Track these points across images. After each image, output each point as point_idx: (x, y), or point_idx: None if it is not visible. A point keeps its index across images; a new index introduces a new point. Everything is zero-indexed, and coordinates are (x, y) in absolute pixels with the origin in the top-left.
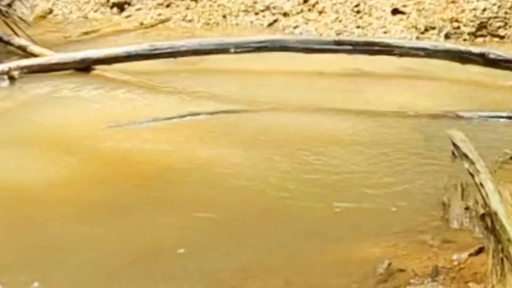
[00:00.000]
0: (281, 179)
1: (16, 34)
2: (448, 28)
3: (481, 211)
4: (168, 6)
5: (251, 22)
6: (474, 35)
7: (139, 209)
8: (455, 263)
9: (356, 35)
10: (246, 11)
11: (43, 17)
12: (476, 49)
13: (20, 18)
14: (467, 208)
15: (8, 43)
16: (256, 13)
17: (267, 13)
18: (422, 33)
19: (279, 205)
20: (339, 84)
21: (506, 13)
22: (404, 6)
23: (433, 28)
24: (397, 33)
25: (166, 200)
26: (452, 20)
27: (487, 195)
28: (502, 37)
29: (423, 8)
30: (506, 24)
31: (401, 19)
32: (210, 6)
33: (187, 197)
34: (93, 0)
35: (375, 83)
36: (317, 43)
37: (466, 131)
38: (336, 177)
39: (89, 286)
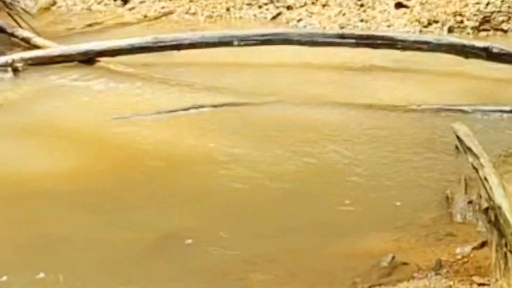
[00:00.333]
0: (285, 171)
1: (19, 26)
2: (451, 22)
3: (485, 205)
4: None
5: (255, 15)
6: (477, 29)
7: (144, 200)
8: (459, 256)
9: (360, 29)
10: (249, 4)
11: (46, 9)
12: (479, 43)
13: (24, 10)
14: (470, 202)
15: (11, 35)
16: (260, 6)
17: (270, 6)
18: (425, 27)
19: (283, 198)
20: (343, 77)
21: (509, 7)
22: (407, 0)
23: (436, 22)
24: (400, 26)
25: (171, 191)
26: (455, 14)
27: (491, 189)
28: (505, 32)
29: (426, 2)
30: (509, 18)
31: (405, 13)
32: None
33: (192, 188)
34: None
35: (378, 77)
36: (320, 36)
37: (470, 125)
38: (339, 171)
39: (95, 276)
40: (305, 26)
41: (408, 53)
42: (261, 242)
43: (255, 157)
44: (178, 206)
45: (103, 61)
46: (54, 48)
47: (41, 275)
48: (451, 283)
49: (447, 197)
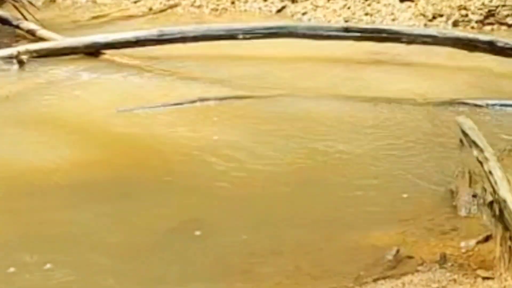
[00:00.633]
0: (290, 164)
1: (25, 18)
2: (456, 15)
3: (489, 198)
4: None
5: (260, 8)
6: (482, 23)
7: (148, 192)
8: (463, 250)
9: (364, 22)
10: None
11: (52, 1)
12: (484, 37)
13: (30, 2)
14: (475, 196)
15: (17, 27)
16: (265, 0)
17: None
18: (430, 20)
19: (289, 191)
20: (348, 70)
21: None
22: None
23: (441, 15)
24: (405, 20)
25: (175, 183)
26: (460, 7)
27: (495, 182)
28: (510, 26)
29: None
30: None
31: (409, 6)
32: None
33: (197, 180)
34: None
35: (383, 70)
36: (325, 29)
37: (475, 118)
38: (345, 164)
39: (101, 268)
40: (310, 20)
41: (413, 47)
42: (266, 234)
43: (260, 150)
44: (183, 198)
45: (109, 53)
46: (59, 41)
47: (48, 266)
48: (456, 276)
49: (451, 191)
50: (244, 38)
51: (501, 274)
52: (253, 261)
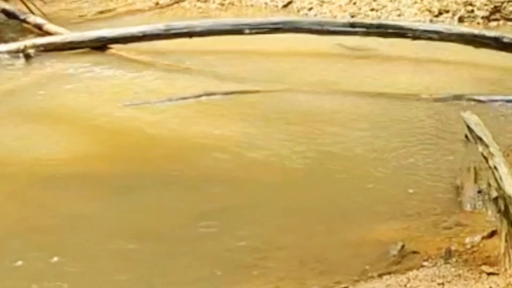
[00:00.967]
0: (295, 159)
1: (32, 12)
2: (461, 11)
3: (494, 194)
4: None
5: (266, 3)
6: (487, 19)
7: (155, 186)
8: (468, 245)
9: (370, 18)
10: None
11: None
12: (490, 33)
13: None
14: (480, 191)
15: (24, 21)
16: None
17: None
18: (436, 16)
19: (294, 185)
20: (354, 65)
21: None
22: None
23: (447, 11)
24: (411, 16)
25: (181, 178)
26: (466, 3)
27: (500, 178)
28: None
29: None
30: None
31: (415, 2)
32: None
33: (202, 174)
34: None
35: (388, 65)
36: (331, 25)
37: (480, 114)
38: (350, 158)
39: (107, 261)
40: (316, 15)
41: (419, 42)
42: (270, 229)
43: (265, 145)
44: (188, 192)
45: (115, 48)
46: (66, 35)
47: (56, 259)
48: (460, 272)
49: (457, 186)
50: (251, 33)
51: (506, 269)
52: (257, 256)
